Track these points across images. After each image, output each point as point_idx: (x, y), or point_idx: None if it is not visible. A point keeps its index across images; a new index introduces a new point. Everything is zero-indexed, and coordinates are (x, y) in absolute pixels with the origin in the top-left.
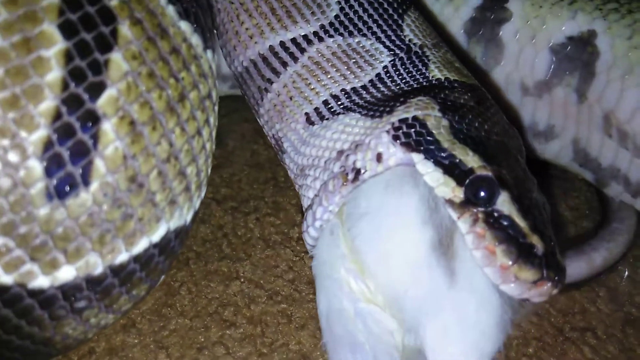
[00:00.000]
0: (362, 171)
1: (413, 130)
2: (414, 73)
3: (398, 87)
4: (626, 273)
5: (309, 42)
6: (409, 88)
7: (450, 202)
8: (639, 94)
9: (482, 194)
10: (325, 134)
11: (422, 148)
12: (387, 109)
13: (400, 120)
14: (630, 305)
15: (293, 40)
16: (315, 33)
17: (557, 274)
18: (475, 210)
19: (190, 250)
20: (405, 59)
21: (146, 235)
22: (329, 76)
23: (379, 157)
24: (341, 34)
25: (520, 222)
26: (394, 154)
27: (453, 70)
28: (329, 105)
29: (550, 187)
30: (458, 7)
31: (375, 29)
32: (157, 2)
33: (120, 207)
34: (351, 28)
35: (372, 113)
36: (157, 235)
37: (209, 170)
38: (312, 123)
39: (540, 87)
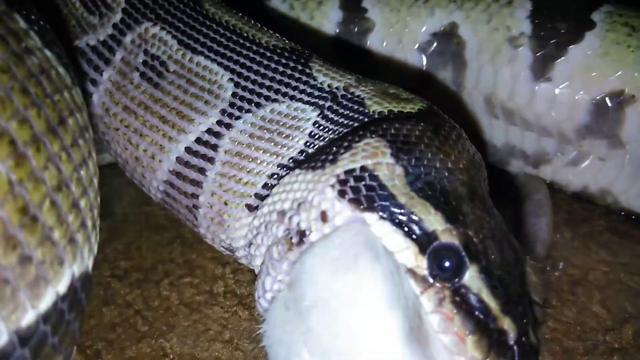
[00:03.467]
0: (307, 232)
1: (362, 183)
2: (352, 114)
3: (338, 133)
4: None
5: (217, 135)
6: (350, 129)
7: (412, 272)
8: (513, 70)
9: (448, 264)
10: (266, 201)
11: (375, 205)
12: (330, 157)
13: (347, 172)
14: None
15: (198, 140)
16: (219, 122)
17: None
18: (440, 285)
19: (99, 340)
20: (334, 106)
21: (51, 284)
22: (258, 161)
23: (323, 216)
24: (248, 111)
25: (490, 302)
26: (341, 211)
27: (394, 99)
28: (269, 185)
29: None
30: (321, 24)
31: (284, 89)
32: (18, 25)
33: (16, 247)
34: (256, 99)
35: (312, 164)
36: (63, 285)
37: (99, 213)
38: (255, 208)
39: (419, 86)
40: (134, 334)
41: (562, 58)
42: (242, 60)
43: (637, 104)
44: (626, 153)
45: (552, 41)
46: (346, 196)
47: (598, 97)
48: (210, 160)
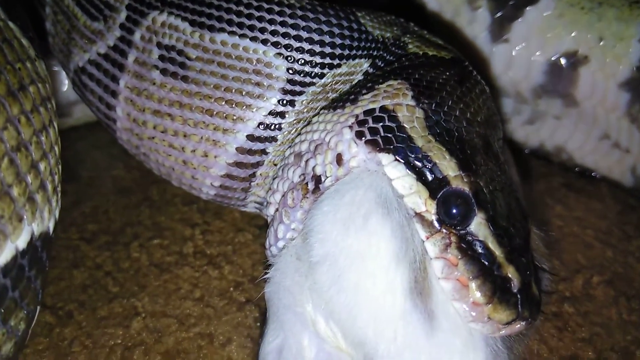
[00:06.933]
0: (323, 179)
1: (381, 124)
2: (394, 58)
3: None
4: None
5: (282, 114)
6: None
7: (420, 216)
8: (472, 31)
9: (456, 211)
10: (292, 144)
11: (391, 147)
12: (351, 96)
13: (366, 112)
14: None
15: (260, 124)
16: (281, 101)
17: (531, 311)
18: (447, 231)
19: (71, 301)
20: (383, 54)
21: (10, 239)
22: (310, 118)
23: (339, 159)
24: (311, 84)
25: (496, 250)
26: (357, 154)
27: (431, 44)
28: None
29: None
30: None
31: (346, 52)
32: None
33: None
34: (318, 70)
35: (335, 104)
36: (22, 240)
37: (60, 179)
38: None
39: None
40: (105, 295)
41: (519, 19)
42: (283, 30)
43: (590, 64)
44: (580, 111)
45: (509, 3)
46: (363, 138)
47: (553, 58)
48: (273, 139)
